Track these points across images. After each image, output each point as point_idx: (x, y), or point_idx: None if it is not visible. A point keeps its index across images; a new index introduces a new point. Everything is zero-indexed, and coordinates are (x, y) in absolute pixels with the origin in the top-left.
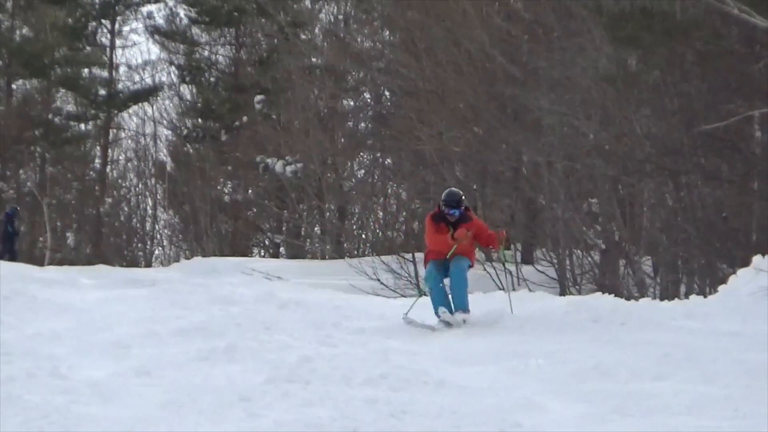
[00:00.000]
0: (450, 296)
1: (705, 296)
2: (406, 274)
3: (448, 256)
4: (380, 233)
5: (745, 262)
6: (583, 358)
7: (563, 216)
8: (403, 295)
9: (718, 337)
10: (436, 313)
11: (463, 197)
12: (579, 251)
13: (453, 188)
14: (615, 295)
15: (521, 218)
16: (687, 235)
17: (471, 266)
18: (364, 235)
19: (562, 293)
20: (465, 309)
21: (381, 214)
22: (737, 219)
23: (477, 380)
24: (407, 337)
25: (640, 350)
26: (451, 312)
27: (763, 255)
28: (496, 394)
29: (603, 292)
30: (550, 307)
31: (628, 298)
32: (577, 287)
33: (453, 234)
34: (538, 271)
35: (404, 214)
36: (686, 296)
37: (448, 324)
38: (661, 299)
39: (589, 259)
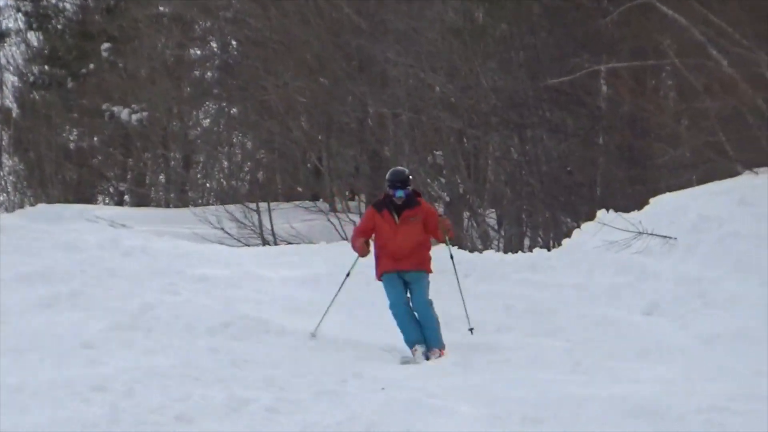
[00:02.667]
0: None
1: (549, 249)
2: (251, 224)
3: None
4: (225, 182)
5: (589, 216)
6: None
7: (408, 167)
8: (246, 245)
9: (562, 290)
10: (409, 346)
11: (411, 177)
12: None
13: (399, 166)
14: (459, 247)
15: (366, 169)
16: (531, 189)
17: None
18: (208, 184)
19: None
20: (441, 346)
21: (226, 163)
22: (582, 173)
23: (320, 330)
24: (250, 286)
25: (483, 302)
26: (426, 347)
27: (607, 209)
28: (338, 344)
29: None
30: None
31: (471, 251)
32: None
33: (398, 223)
34: None
35: (249, 163)
36: (530, 249)
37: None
38: (505, 252)
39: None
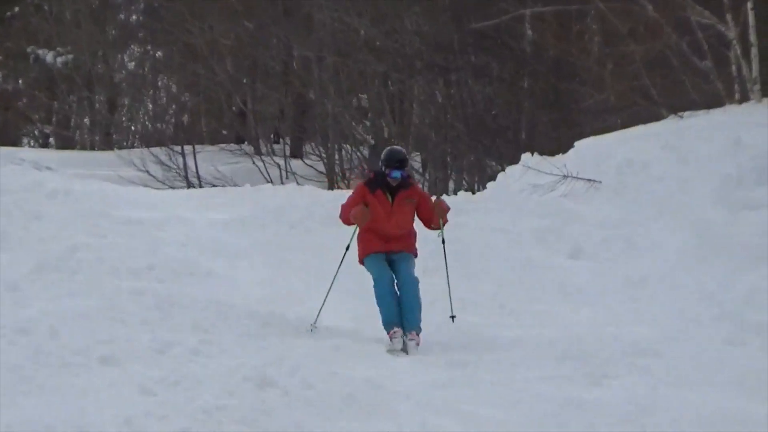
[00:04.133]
0: (401, 306)
1: (474, 193)
2: (175, 166)
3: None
4: (150, 125)
5: (514, 160)
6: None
7: (333, 111)
8: (171, 187)
9: (487, 233)
10: (386, 329)
11: (407, 157)
12: (348, 146)
13: (396, 146)
14: None
15: (291, 112)
16: (456, 132)
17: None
18: (133, 127)
19: (331, 188)
20: (418, 329)
21: (151, 106)
22: (506, 117)
23: (244, 273)
24: (175, 229)
25: None
26: (403, 329)
27: (532, 153)
28: (262, 287)
29: None
30: (318, 202)
31: None
32: (345, 182)
33: (393, 204)
34: (307, 165)
35: (174, 106)
36: (455, 192)
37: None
38: (430, 195)
39: (358, 154)
